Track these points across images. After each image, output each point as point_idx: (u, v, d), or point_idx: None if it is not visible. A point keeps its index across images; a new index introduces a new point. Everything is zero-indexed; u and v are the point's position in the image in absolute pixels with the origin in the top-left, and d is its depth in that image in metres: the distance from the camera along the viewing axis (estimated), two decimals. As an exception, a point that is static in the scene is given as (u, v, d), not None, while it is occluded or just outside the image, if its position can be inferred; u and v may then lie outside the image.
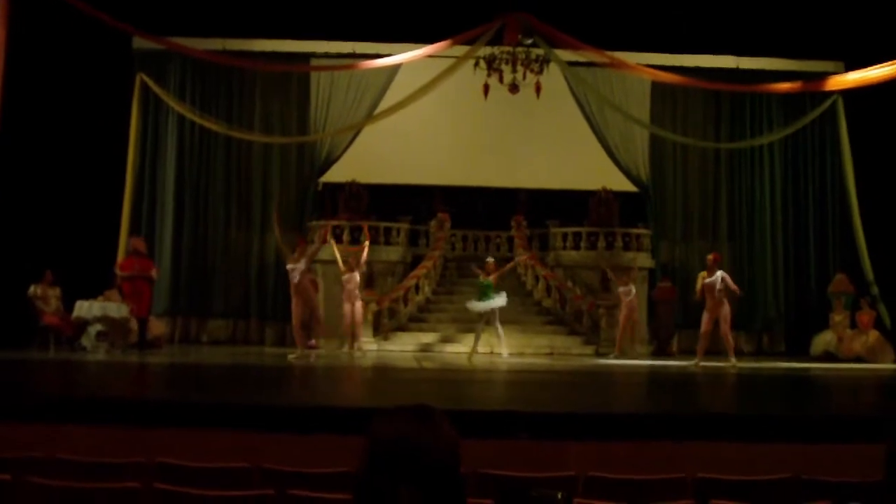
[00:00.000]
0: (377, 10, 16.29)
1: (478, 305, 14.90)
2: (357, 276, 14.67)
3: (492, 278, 14.86)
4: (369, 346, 15.44)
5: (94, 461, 5.21)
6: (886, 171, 16.61)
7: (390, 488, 1.85)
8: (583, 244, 17.52)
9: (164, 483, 4.66)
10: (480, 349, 14.98)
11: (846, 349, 16.17)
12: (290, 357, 13.67)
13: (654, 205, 18.11)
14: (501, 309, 14.99)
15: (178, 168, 17.63)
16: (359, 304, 14.83)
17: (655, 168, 18.27)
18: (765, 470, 5.41)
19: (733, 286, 13.82)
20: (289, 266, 13.74)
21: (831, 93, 16.96)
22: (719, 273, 13.75)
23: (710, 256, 14.27)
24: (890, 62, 11.71)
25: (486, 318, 14.86)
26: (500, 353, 14.82)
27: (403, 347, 16.08)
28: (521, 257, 17.20)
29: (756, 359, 16.41)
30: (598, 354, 15.97)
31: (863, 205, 17.39)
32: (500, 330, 14.87)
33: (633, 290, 15.86)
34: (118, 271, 14.60)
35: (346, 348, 14.84)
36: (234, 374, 12.39)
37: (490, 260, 15.43)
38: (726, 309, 13.85)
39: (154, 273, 15.16)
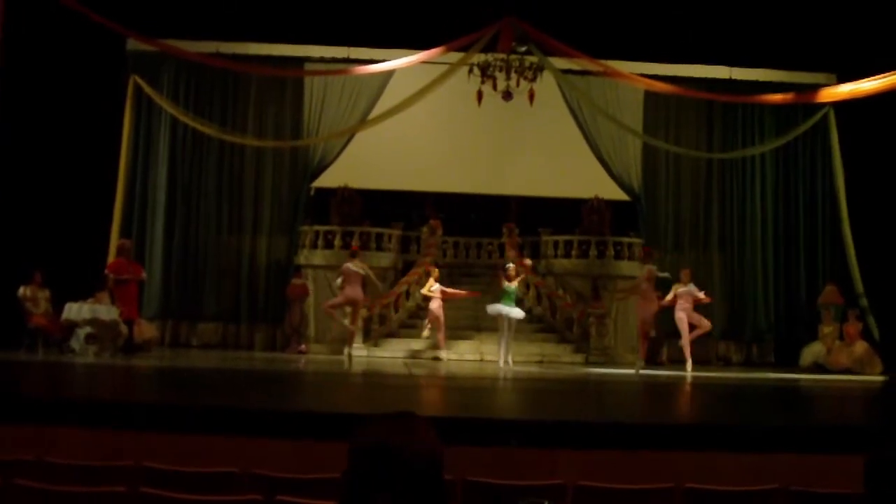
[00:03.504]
0: (372, 15, 16.30)
1: (497, 307, 14.84)
2: None
3: (515, 284, 14.92)
4: (360, 352, 15.45)
5: (81, 464, 5.19)
6: (877, 183, 16.68)
7: (369, 495, 1.85)
8: (574, 252, 17.53)
9: (150, 487, 4.64)
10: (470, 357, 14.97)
11: (834, 361, 16.19)
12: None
13: (646, 214, 18.11)
14: (489, 316, 15.02)
15: (171, 170, 17.55)
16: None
17: (648, 177, 18.26)
18: (753, 480, 5.43)
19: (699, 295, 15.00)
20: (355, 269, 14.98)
21: (823, 104, 17.04)
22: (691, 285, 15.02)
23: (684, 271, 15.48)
24: (881, 75, 11.78)
25: (502, 324, 14.84)
26: (506, 362, 14.71)
27: (394, 354, 16.05)
28: (522, 265, 17.05)
29: (745, 369, 16.42)
30: (589, 363, 15.97)
31: (853, 216, 17.46)
32: (508, 340, 14.91)
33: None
34: (111, 274, 14.50)
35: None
36: (223, 378, 12.36)
37: (511, 266, 15.39)
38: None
39: (144, 276, 15.19)
